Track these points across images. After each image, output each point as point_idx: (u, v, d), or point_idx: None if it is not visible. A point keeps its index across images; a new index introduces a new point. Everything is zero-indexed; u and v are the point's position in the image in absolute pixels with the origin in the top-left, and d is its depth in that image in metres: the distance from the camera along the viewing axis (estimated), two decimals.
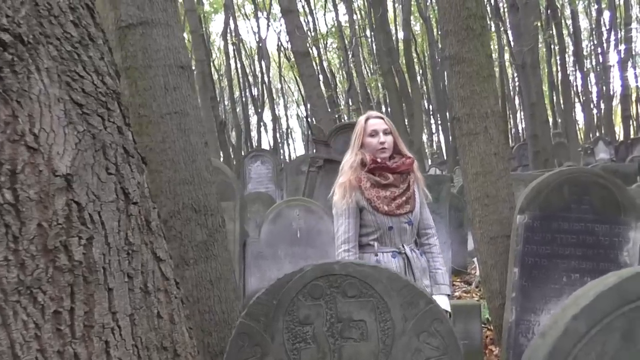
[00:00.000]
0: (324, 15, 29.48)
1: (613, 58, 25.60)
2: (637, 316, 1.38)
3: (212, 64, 31.76)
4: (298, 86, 35.56)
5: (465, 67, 4.41)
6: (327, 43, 29.35)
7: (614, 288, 1.39)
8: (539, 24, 29.33)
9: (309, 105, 14.73)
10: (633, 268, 1.41)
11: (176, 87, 2.01)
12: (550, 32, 21.25)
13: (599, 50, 25.25)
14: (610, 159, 19.77)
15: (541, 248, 3.93)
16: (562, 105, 19.68)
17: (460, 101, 4.50)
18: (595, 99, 28.62)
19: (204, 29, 25.08)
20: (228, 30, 27.33)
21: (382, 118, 2.76)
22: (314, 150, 6.67)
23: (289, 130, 45.02)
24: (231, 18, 27.93)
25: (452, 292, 6.02)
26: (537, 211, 3.90)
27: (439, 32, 25.86)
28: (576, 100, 29.81)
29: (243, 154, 20.22)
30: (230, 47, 29.16)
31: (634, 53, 30.43)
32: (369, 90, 25.06)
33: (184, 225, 1.99)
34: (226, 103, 33.73)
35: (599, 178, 3.88)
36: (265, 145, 40.57)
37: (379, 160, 2.65)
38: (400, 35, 21.04)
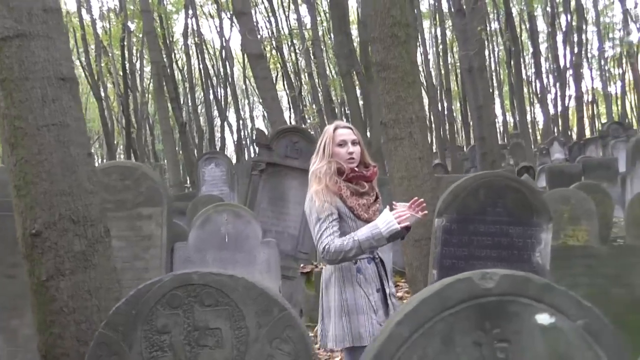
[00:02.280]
0: (287, 16, 29.47)
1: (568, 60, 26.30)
2: (456, 321, 1.46)
3: (175, 64, 31.49)
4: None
5: (391, 73, 4.53)
6: (290, 44, 29.34)
7: (435, 294, 1.48)
8: (498, 28, 29.94)
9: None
10: (455, 276, 1.49)
11: (55, 99, 2.03)
12: (508, 34, 21.73)
13: (556, 52, 25.90)
14: (565, 158, 20.35)
15: (458, 250, 4.05)
16: (517, 107, 20.12)
17: (387, 107, 4.61)
18: (551, 101, 29.35)
19: (164, 30, 24.84)
20: (190, 31, 27.12)
21: (351, 128, 2.79)
22: (257, 154, 6.72)
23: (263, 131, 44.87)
24: (193, 18, 27.74)
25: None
26: (455, 214, 4.01)
27: None
28: (535, 101, 30.58)
29: None
30: (194, 48, 28.97)
31: (589, 55, 31.36)
32: (333, 92, 25.17)
33: (61, 236, 2.01)
34: (190, 104, 33.47)
35: (512, 182, 4.02)
36: (230, 147, 40.40)
37: (356, 169, 2.70)
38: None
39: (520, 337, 1.47)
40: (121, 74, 24.28)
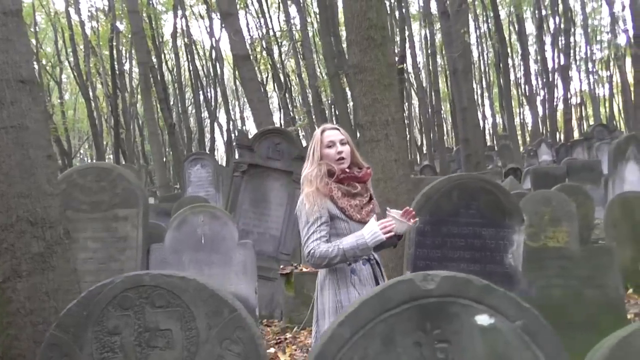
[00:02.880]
0: (278, 16, 29.49)
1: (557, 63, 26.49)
2: (397, 322, 1.49)
3: (165, 65, 31.39)
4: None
5: (367, 75, 4.56)
6: (280, 44, 29.35)
7: (377, 296, 1.50)
8: (487, 30, 30.07)
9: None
10: (397, 278, 1.51)
11: (14, 101, 2.03)
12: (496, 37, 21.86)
13: (544, 55, 26.07)
14: (553, 160, 20.49)
15: (432, 251, 4.08)
16: (505, 109, 20.24)
17: (363, 109, 4.65)
18: (540, 103, 29.54)
19: (153, 30, 24.78)
20: (179, 31, 27.06)
21: (338, 129, 2.80)
22: (238, 155, 6.74)
23: (247, 132, 44.86)
24: (183, 18, 27.68)
25: None
26: (428, 216, 4.04)
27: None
28: (525, 103, 30.75)
29: None
30: (184, 48, 28.89)
31: (577, 58, 31.59)
32: (323, 93, 25.21)
33: (18, 238, 2.01)
34: (180, 105, 33.39)
35: (485, 184, 4.06)
36: (221, 148, 40.32)
37: (347, 170, 2.70)
38: None
39: (460, 337, 1.50)
40: (110, 74, 24.20)
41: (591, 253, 4.33)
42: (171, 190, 15.30)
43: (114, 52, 23.04)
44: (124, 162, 22.73)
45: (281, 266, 5.97)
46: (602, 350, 1.66)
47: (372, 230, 2.53)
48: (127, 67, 28.82)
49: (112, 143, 25.31)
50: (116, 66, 23.30)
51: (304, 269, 5.73)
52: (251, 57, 29.36)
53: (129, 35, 24.27)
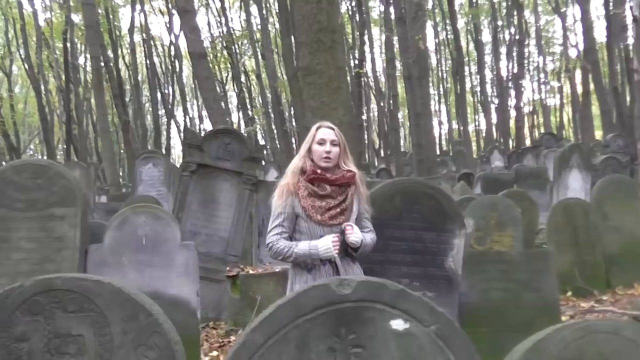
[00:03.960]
0: (239, 16, 29.25)
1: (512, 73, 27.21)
2: (311, 327, 1.47)
3: (122, 60, 30.68)
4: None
5: (316, 78, 4.57)
6: (241, 44, 29.14)
7: (292, 301, 1.48)
8: (445, 38, 30.64)
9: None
10: (312, 283, 1.50)
11: None
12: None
13: (498, 64, 26.75)
14: (504, 166, 21.03)
15: (375, 255, 4.07)
16: (460, 116, 20.66)
17: (311, 112, 4.65)
18: (495, 110, 30.29)
19: (110, 24, 24.19)
20: (138, 26, 26.51)
21: (333, 129, 2.83)
22: (188, 155, 6.63)
23: (197, 131, 44.24)
24: (142, 13, 27.13)
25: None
26: (372, 219, 4.06)
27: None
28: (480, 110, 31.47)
29: None
30: (141, 44, 28.32)
31: (531, 68, 32.56)
32: (283, 94, 25.13)
33: None
34: (141, 101, 32.68)
35: (427, 189, 4.11)
36: (178, 147, 39.69)
37: (318, 171, 2.75)
38: None
39: (375, 342, 1.50)
40: (63, 67, 23.46)
41: (529, 257, 4.44)
42: (122, 189, 14.95)
43: (68, 44, 22.33)
44: (75, 159, 22.11)
45: (227, 268, 5.90)
46: (517, 354, 1.69)
47: (326, 246, 2.64)
48: (82, 60, 27.99)
49: (64, 139, 24.52)
50: (70, 59, 22.58)
51: (251, 271, 5.68)
52: (211, 56, 29.08)
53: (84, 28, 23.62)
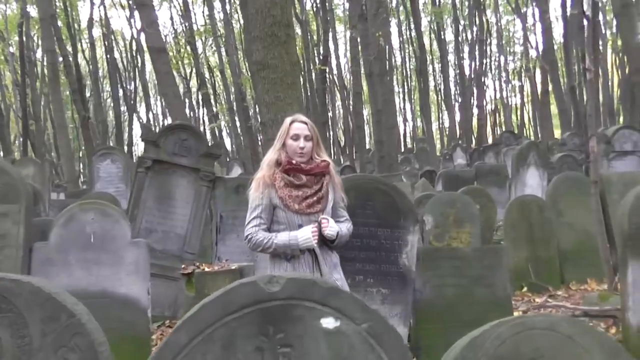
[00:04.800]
0: (202, 11, 28.84)
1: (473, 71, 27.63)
2: (238, 326, 1.42)
3: (82, 54, 29.89)
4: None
5: (270, 73, 4.50)
6: (205, 39, 28.74)
7: (218, 299, 1.43)
8: (409, 36, 30.89)
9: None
10: (240, 280, 1.45)
11: None
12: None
13: (461, 62, 27.13)
14: (467, 164, 21.35)
15: None
16: (422, 113, 20.87)
17: (266, 107, 4.58)
18: (459, 109, 30.73)
19: (68, 17, 23.54)
20: (97, 20, 25.87)
21: (306, 123, 2.89)
22: (144, 150, 6.47)
23: (151, 126, 43.47)
24: (101, 7, 26.51)
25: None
26: None
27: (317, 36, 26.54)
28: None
29: None
30: (101, 38, 27.64)
31: (493, 67, 33.15)
32: (247, 90, 24.91)
33: None
34: (103, 97, 31.91)
35: (381, 185, 4.10)
36: (141, 143, 38.92)
37: (293, 161, 2.80)
38: None
39: (304, 341, 1.45)
40: (19, 62, 22.67)
41: (482, 253, 4.48)
42: (79, 186, 14.56)
43: (24, 38, 21.61)
44: (33, 156, 21.43)
45: (182, 266, 5.79)
46: (454, 351, 1.68)
47: (305, 236, 2.72)
48: (40, 54, 27.14)
49: (20, 135, 23.76)
50: (25, 53, 21.86)
51: (207, 269, 5.59)
52: (174, 52, 28.58)
53: None
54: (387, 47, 13.15)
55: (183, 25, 28.01)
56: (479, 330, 1.71)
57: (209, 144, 6.54)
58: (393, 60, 33.05)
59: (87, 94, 27.93)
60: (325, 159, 2.92)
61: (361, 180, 4.13)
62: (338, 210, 3.01)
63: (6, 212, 4.01)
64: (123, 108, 31.61)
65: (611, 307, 4.73)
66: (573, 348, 1.65)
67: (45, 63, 27.51)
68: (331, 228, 2.81)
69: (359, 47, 21.04)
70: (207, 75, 32.87)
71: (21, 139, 24.20)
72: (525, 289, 6.54)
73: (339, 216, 3.00)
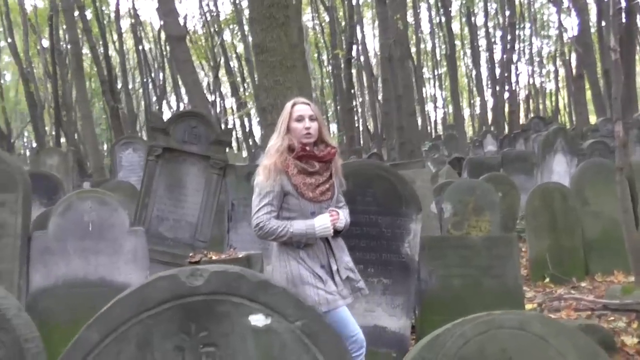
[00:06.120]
0: None
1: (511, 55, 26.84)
2: (156, 323, 1.30)
3: (113, 45, 30.30)
4: (204, 72, 34.74)
5: (269, 56, 4.35)
6: (233, 28, 28.75)
7: (134, 294, 1.31)
8: (439, 22, 30.23)
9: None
10: (158, 273, 1.32)
11: None
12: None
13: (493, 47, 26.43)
14: (497, 151, 20.83)
15: None
16: (452, 100, 20.42)
17: (265, 91, 4.44)
18: (492, 95, 29.97)
19: (97, 10, 23.86)
20: (126, 11, 26.14)
21: (309, 104, 2.83)
22: (153, 138, 6.42)
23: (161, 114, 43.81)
24: None
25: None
26: None
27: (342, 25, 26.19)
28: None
29: None
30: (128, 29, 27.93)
31: (526, 51, 32.21)
32: None
33: None
34: (131, 87, 32.32)
35: (382, 171, 3.92)
36: None
37: (307, 148, 2.74)
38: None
39: (230, 340, 1.32)
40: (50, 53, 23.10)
41: (491, 243, 4.26)
42: (104, 175, 14.77)
43: (53, 30, 21.97)
44: (66, 146, 21.87)
45: (190, 254, 5.73)
46: (414, 351, 1.53)
47: (323, 224, 2.68)
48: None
49: (53, 126, 24.28)
50: (55, 45, 22.24)
51: (214, 257, 5.51)
52: (202, 40, 28.66)
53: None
54: (408, 31, 12.80)
55: (209, 14, 28.03)
56: (441, 328, 1.55)
57: (219, 131, 6.45)
58: (423, 45, 32.50)
59: (119, 85, 28.33)
60: (334, 145, 2.88)
61: (361, 166, 3.96)
62: (339, 196, 2.96)
63: (4, 201, 4.00)
64: (154, 99, 32.00)
65: (632, 301, 4.45)
66: (545, 350, 1.48)
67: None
68: (341, 220, 2.81)
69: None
70: (235, 63, 32.99)
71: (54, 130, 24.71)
72: (547, 279, 6.28)
73: (338, 201, 2.94)
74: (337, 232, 2.84)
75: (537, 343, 1.48)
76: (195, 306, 1.31)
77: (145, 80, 28.58)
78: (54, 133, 24.55)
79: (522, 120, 27.98)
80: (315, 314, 1.35)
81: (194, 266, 1.33)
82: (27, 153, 34.85)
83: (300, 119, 2.76)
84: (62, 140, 24.21)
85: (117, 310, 1.29)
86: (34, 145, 28.24)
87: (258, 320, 1.33)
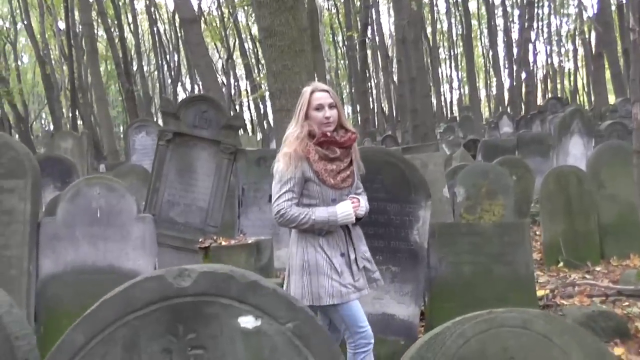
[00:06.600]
0: None
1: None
2: (143, 325, 1.27)
3: (128, 27, 30.30)
4: (219, 54, 34.64)
5: (277, 40, 4.28)
6: (246, 9, 28.53)
7: (120, 294, 1.28)
8: (455, 2, 29.68)
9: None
10: (146, 274, 1.29)
11: None
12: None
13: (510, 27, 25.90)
14: (513, 132, 20.54)
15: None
16: (467, 81, 20.11)
17: (273, 76, 4.38)
18: (509, 75, 29.47)
19: None
20: None
21: (328, 91, 2.78)
22: (163, 123, 6.40)
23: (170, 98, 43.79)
24: None
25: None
26: None
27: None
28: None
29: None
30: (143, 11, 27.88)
31: (544, 31, 31.55)
32: None
33: None
34: (146, 69, 32.37)
35: (390, 158, 3.86)
36: None
37: (328, 134, 2.69)
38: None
39: (219, 342, 1.29)
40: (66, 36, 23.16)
41: (503, 230, 4.19)
42: (119, 158, 14.86)
43: (69, 12, 21.98)
44: (82, 128, 22.03)
45: (200, 239, 5.74)
46: (412, 350, 1.48)
47: (345, 212, 2.66)
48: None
49: (70, 108, 24.45)
50: (71, 27, 22.28)
51: (223, 243, 5.52)
52: (217, 22, 28.49)
53: None
54: (425, 10, 12.56)
55: None
56: (437, 329, 1.50)
57: (230, 116, 6.41)
58: (439, 25, 32.00)
59: (134, 67, 28.38)
60: (354, 131, 2.82)
61: (369, 152, 3.88)
62: (358, 182, 2.93)
63: (13, 187, 4.01)
64: (169, 81, 32.05)
65: None
66: (549, 349, 1.43)
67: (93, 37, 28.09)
68: (362, 207, 2.79)
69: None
70: (250, 45, 32.83)
71: (70, 112, 24.88)
72: (561, 264, 6.19)
73: (357, 187, 2.91)
74: (357, 220, 2.80)
75: (540, 342, 1.43)
76: (183, 307, 1.28)
77: (160, 62, 28.54)
78: (70, 115, 24.66)
79: (539, 100, 27.52)
80: (307, 316, 1.31)
81: (181, 267, 1.30)
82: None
83: (319, 107, 2.71)
84: (79, 122, 24.38)
85: (103, 311, 1.26)
86: (52, 127, 28.51)
87: (248, 322, 1.29)
